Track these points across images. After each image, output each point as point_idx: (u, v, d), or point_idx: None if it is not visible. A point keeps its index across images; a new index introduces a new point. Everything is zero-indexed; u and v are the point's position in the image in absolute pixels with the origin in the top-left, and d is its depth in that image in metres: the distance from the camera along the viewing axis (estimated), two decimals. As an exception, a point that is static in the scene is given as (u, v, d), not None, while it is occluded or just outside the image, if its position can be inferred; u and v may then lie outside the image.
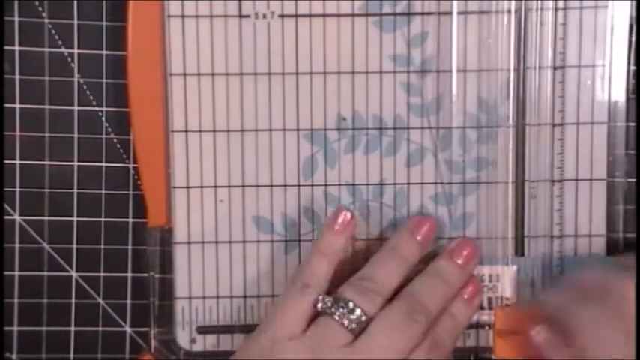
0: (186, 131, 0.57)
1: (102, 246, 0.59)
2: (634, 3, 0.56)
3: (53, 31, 0.57)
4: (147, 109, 0.56)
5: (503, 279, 0.57)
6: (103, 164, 0.58)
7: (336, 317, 0.52)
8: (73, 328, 0.60)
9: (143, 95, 0.56)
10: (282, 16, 0.56)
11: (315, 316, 0.53)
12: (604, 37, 0.56)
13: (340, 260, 0.55)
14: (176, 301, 0.58)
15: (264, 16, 0.56)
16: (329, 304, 0.52)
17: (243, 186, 0.57)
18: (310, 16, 0.56)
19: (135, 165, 0.58)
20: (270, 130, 0.57)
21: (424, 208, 0.57)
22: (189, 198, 0.57)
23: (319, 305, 0.53)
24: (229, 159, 0.57)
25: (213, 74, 0.56)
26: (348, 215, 0.55)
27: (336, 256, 0.55)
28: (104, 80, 0.58)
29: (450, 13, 0.56)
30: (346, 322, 0.52)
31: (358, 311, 0.52)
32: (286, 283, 0.57)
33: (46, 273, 0.59)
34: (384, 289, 0.54)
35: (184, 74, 0.56)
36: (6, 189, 0.58)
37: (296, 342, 0.52)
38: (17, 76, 0.58)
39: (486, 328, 0.58)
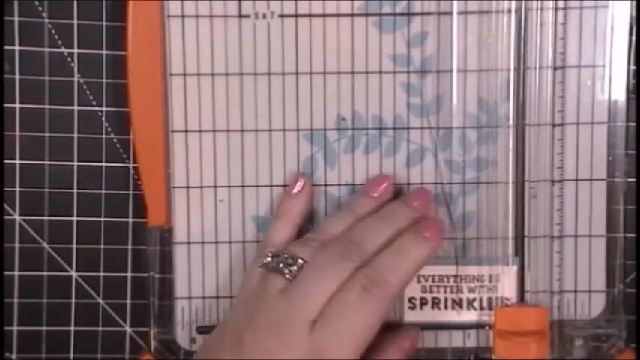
0: (186, 131, 0.57)
1: (102, 246, 0.59)
2: (634, 3, 0.56)
3: (53, 31, 0.57)
4: (147, 109, 0.56)
5: (503, 279, 0.57)
6: (103, 164, 0.58)
7: (279, 269, 0.53)
8: (73, 328, 0.60)
9: (143, 95, 0.56)
10: (281, 16, 0.56)
11: None
12: (604, 37, 0.56)
13: (299, 226, 0.56)
14: (176, 301, 0.58)
15: (264, 16, 0.56)
16: (273, 260, 0.53)
17: (243, 186, 0.57)
18: (310, 16, 0.56)
19: (135, 165, 0.58)
20: (270, 130, 0.57)
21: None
22: (189, 198, 0.57)
23: (266, 263, 0.53)
24: (229, 159, 0.57)
25: (213, 74, 0.56)
26: (303, 181, 0.56)
27: (293, 220, 0.56)
28: (104, 80, 0.58)
29: (450, 13, 0.56)
30: (286, 270, 0.52)
31: (299, 261, 0.52)
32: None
33: (46, 273, 0.59)
34: (323, 236, 0.54)
35: (184, 74, 0.56)
36: (6, 189, 0.58)
37: (246, 299, 0.53)
38: (17, 76, 0.58)
39: (486, 328, 0.57)
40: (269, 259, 0.54)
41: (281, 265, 0.53)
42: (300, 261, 0.53)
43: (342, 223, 0.55)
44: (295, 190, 0.56)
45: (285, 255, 0.53)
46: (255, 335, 0.51)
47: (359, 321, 0.50)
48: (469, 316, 0.57)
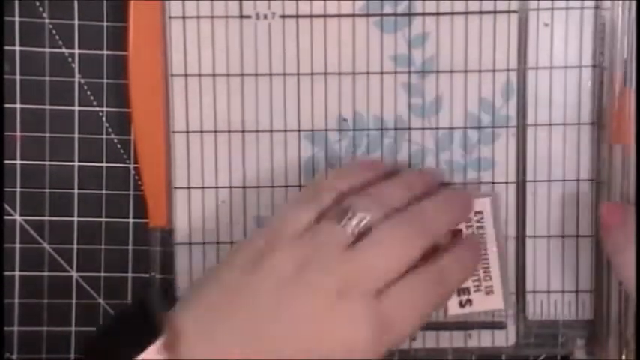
0: (187, 132, 0.57)
1: (102, 246, 0.59)
2: (634, 3, 0.56)
3: (54, 31, 0.57)
4: (148, 110, 0.56)
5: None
6: (104, 164, 0.58)
7: (338, 222, 0.51)
8: (73, 328, 0.60)
9: (144, 96, 0.56)
10: (283, 16, 0.56)
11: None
12: (604, 37, 0.56)
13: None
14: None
15: (265, 17, 0.56)
16: (331, 206, 0.52)
17: (244, 187, 0.57)
18: (311, 16, 0.56)
19: (136, 165, 0.58)
20: (272, 130, 0.57)
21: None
22: (190, 199, 0.57)
23: (321, 207, 0.52)
24: (230, 160, 0.57)
25: (214, 75, 0.56)
26: (379, 159, 0.56)
27: (356, 182, 0.54)
28: (105, 80, 0.58)
29: (451, 14, 0.56)
30: (348, 227, 0.51)
31: (360, 215, 0.51)
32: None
33: (46, 273, 0.59)
34: (389, 201, 0.52)
35: (185, 75, 0.56)
36: (6, 189, 0.58)
37: (293, 239, 0.51)
38: (17, 76, 0.58)
39: (487, 328, 0.58)
40: (324, 204, 0.52)
41: (338, 216, 0.51)
42: (364, 218, 0.51)
43: (400, 193, 0.53)
44: (366, 164, 0.56)
45: (346, 208, 0.52)
46: (314, 290, 0.50)
47: (423, 306, 0.51)
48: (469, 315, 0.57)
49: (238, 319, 0.50)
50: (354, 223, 0.51)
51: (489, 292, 0.56)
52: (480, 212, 0.56)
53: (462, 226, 0.56)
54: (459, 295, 0.57)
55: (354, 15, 0.56)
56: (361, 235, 0.51)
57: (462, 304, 0.57)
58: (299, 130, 0.57)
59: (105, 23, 0.57)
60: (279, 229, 0.52)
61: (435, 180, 0.56)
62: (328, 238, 0.51)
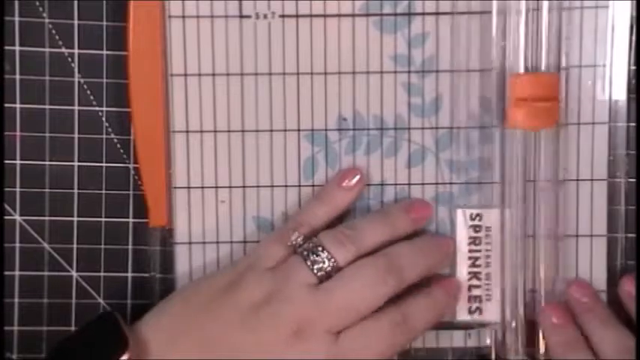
0: (187, 131, 0.57)
1: (102, 246, 0.59)
2: (634, 3, 0.56)
3: (53, 31, 0.57)
4: (148, 110, 0.56)
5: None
6: (103, 164, 0.58)
7: (307, 260, 0.53)
8: (72, 328, 0.60)
9: (144, 95, 0.56)
10: (282, 16, 0.56)
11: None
12: (605, 37, 0.56)
13: (336, 215, 0.56)
14: (177, 301, 0.58)
15: (265, 17, 0.56)
16: (301, 243, 0.53)
17: (244, 186, 0.57)
18: (311, 16, 0.56)
19: (135, 165, 0.58)
20: (271, 130, 0.57)
21: (425, 208, 0.58)
22: (190, 198, 0.57)
23: (291, 241, 0.53)
24: (230, 159, 0.57)
25: (214, 74, 0.56)
26: (359, 177, 0.56)
27: (335, 208, 0.56)
28: (104, 80, 0.58)
29: (451, 13, 0.56)
30: (315, 266, 0.52)
31: (326, 256, 0.53)
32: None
33: (46, 273, 0.59)
34: (362, 243, 0.54)
35: (185, 74, 0.56)
36: (6, 189, 0.58)
37: (263, 272, 0.53)
38: (17, 76, 0.58)
39: (487, 328, 0.58)
40: (299, 239, 0.54)
41: (310, 255, 0.53)
42: (331, 259, 0.52)
43: (379, 234, 0.55)
44: (349, 184, 0.56)
45: (317, 245, 0.53)
46: (273, 326, 0.51)
47: (382, 349, 0.52)
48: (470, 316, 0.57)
49: (201, 335, 0.52)
50: (321, 261, 0.52)
51: (502, 303, 0.57)
52: (489, 228, 0.57)
53: (465, 241, 0.57)
54: (469, 301, 0.57)
55: (353, 15, 0.56)
56: (329, 273, 0.52)
57: (470, 312, 0.57)
58: (299, 130, 0.57)
59: (105, 23, 0.57)
60: (252, 262, 0.54)
61: (421, 215, 0.57)
62: (295, 274, 0.52)
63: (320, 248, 0.53)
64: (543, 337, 0.56)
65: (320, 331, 0.51)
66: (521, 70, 0.55)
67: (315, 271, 0.52)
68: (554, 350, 0.56)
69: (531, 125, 0.55)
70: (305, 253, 0.53)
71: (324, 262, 0.52)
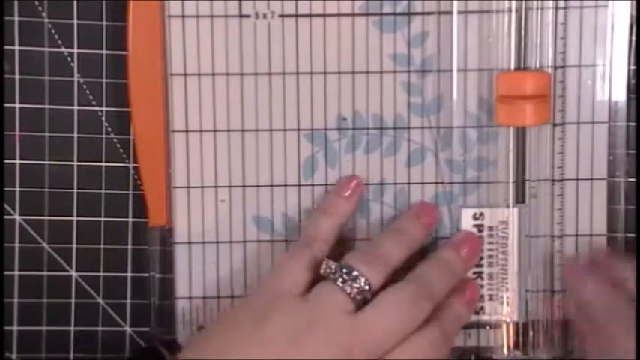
0: (186, 131, 0.57)
1: (102, 246, 0.59)
2: (634, 2, 0.56)
3: (53, 31, 0.57)
4: (147, 109, 0.56)
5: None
6: (103, 164, 0.58)
7: (339, 283, 0.52)
8: (72, 328, 0.60)
9: (143, 95, 0.56)
10: (282, 15, 0.56)
11: (318, 281, 0.53)
12: (604, 36, 0.56)
13: (343, 225, 0.56)
14: (176, 300, 0.58)
15: (265, 16, 0.56)
16: (332, 268, 0.52)
17: (243, 186, 0.57)
18: (310, 15, 0.56)
19: (135, 165, 0.58)
20: (271, 130, 0.57)
21: (424, 208, 0.58)
22: (189, 198, 0.57)
23: (322, 269, 0.53)
24: (230, 159, 0.57)
25: (213, 74, 0.56)
26: (357, 184, 0.56)
27: (341, 217, 0.56)
28: (104, 80, 0.58)
29: (450, 13, 0.56)
30: (349, 289, 0.52)
31: (362, 280, 0.52)
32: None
33: (45, 273, 0.59)
34: (387, 263, 0.54)
35: (185, 74, 0.56)
36: (6, 189, 0.58)
37: (295, 301, 0.52)
38: (17, 76, 0.58)
39: (487, 327, 0.58)
40: (325, 265, 0.53)
41: (339, 277, 0.52)
42: (362, 279, 0.52)
43: (399, 247, 0.55)
44: (348, 193, 0.56)
45: (343, 267, 0.52)
46: (317, 354, 0.50)
47: None
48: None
49: None
50: (356, 286, 0.52)
51: (504, 302, 0.57)
52: (505, 222, 0.56)
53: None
54: None
55: (353, 14, 0.56)
56: (365, 295, 0.52)
57: (475, 311, 0.58)
58: (298, 130, 0.57)
59: (104, 23, 0.57)
60: (278, 287, 0.53)
61: (431, 218, 0.57)
62: (332, 301, 0.52)
63: (350, 269, 0.52)
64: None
65: (362, 357, 0.51)
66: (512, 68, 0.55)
67: (349, 292, 0.52)
68: (592, 303, 0.54)
69: (517, 122, 0.55)
70: (336, 277, 0.52)
71: (356, 283, 0.52)
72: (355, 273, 0.52)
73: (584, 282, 0.54)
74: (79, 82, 0.58)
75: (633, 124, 0.57)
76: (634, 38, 0.56)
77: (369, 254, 0.54)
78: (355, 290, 0.52)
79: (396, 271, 0.54)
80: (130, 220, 0.59)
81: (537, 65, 0.56)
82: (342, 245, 0.56)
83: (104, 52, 0.57)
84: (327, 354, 0.51)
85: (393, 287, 0.53)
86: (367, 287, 0.52)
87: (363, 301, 0.52)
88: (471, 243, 0.57)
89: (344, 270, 0.52)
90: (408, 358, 0.52)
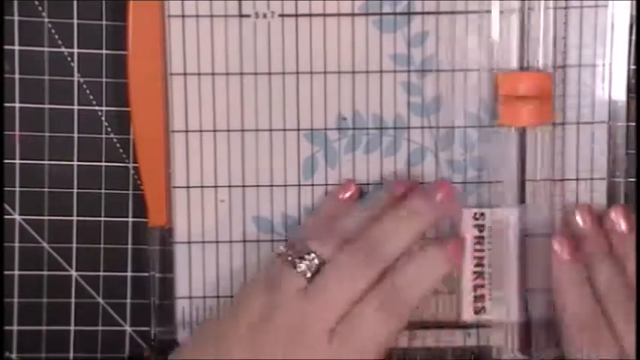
0: (186, 131, 0.57)
1: (102, 245, 0.59)
2: (634, 3, 0.56)
3: (53, 31, 0.57)
4: (147, 109, 0.56)
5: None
6: (103, 164, 0.58)
7: (293, 263, 0.52)
8: (72, 328, 0.60)
9: (143, 95, 0.56)
10: (282, 15, 0.56)
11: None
12: (604, 36, 0.56)
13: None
14: (176, 300, 0.58)
15: (265, 16, 0.56)
16: (288, 251, 0.53)
17: (243, 186, 0.57)
18: (310, 15, 0.56)
19: (135, 165, 0.58)
20: (271, 129, 0.57)
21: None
22: (189, 198, 0.57)
23: (280, 253, 0.53)
24: (230, 159, 0.57)
25: (213, 74, 0.56)
26: (354, 189, 0.56)
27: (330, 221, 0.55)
28: (104, 80, 0.58)
29: (450, 13, 0.56)
30: (302, 266, 0.52)
31: (313, 256, 0.52)
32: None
33: (45, 273, 0.59)
34: (341, 233, 0.53)
35: (185, 74, 0.56)
36: (6, 189, 0.58)
37: (258, 289, 0.53)
38: (17, 76, 0.58)
39: (487, 327, 0.58)
40: (283, 249, 0.53)
41: (296, 259, 0.52)
42: (313, 256, 0.52)
43: (361, 219, 0.54)
44: (345, 196, 0.56)
45: (300, 246, 0.53)
46: (270, 338, 0.51)
47: (375, 336, 0.52)
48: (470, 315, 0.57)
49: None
50: (303, 265, 0.52)
51: (504, 302, 0.57)
52: (505, 222, 0.57)
53: (469, 240, 0.57)
54: (473, 301, 0.57)
55: (353, 14, 0.56)
56: (317, 271, 0.52)
57: (475, 311, 0.57)
58: (298, 129, 0.57)
59: (104, 22, 0.57)
60: (255, 278, 0.55)
61: (405, 185, 0.56)
62: (285, 281, 0.52)
63: (302, 248, 0.53)
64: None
65: (316, 332, 0.51)
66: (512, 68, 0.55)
67: (300, 270, 0.52)
68: (558, 285, 0.55)
69: (519, 123, 0.55)
70: (291, 258, 0.53)
71: (306, 265, 0.52)
72: (306, 250, 0.53)
73: (562, 285, 0.55)
74: (79, 81, 0.58)
75: (633, 124, 0.57)
76: (634, 38, 0.56)
77: (324, 229, 0.54)
78: (303, 269, 0.52)
79: None
80: (130, 219, 0.59)
81: (537, 65, 0.56)
82: None
83: (104, 52, 0.57)
84: (281, 335, 0.51)
85: (339, 254, 0.52)
86: (316, 261, 0.52)
87: (314, 274, 0.52)
88: (444, 189, 0.55)
89: (297, 249, 0.53)
90: (358, 322, 0.51)
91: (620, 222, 0.55)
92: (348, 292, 0.52)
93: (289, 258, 0.53)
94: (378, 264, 0.52)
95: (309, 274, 0.52)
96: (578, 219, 0.56)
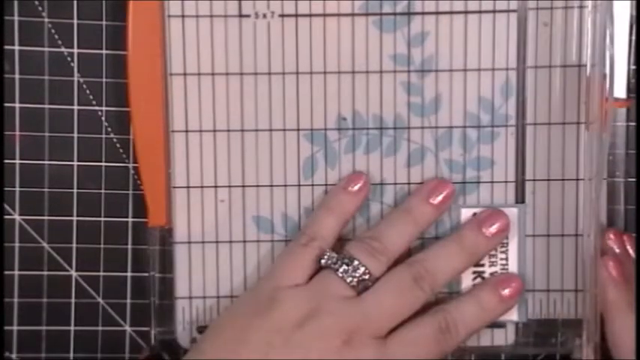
0: (186, 131, 0.57)
1: (102, 245, 0.59)
2: (634, 3, 0.56)
3: (53, 31, 0.57)
4: (147, 109, 0.56)
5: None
6: (103, 163, 0.58)
7: (340, 273, 0.53)
8: (72, 328, 0.60)
9: (143, 95, 0.56)
10: (282, 15, 0.56)
11: (319, 271, 0.54)
12: (604, 36, 0.56)
13: (347, 222, 0.56)
14: (176, 300, 0.58)
15: (265, 16, 0.56)
16: (334, 259, 0.53)
17: (243, 186, 0.57)
18: (310, 15, 0.56)
19: (135, 165, 0.58)
20: (271, 129, 0.57)
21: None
22: (189, 198, 0.57)
23: (323, 260, 0.54)
24: (229, 159, 0.57)
25: (213, 74, 0.56)
26: (364, 181, 0.56)
27: (344, 215, 0.56)
28: (104, 80, 0.58)
29: (450, 13, 0.56)
30: (349, 279, 0.53)
31: (362, 269, 0.53)
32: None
33: (45, 272, 0.59)
34: (389, 251, 0.54)
35: (184, 74, 0.56)
36: (6, 189, 0.58)
37: (298, 290, 0.53)
38: (17, 76, 0.58)
39: (487, 327, 0.58)
40: (326, 257, 0.54)
41: (340, 267, 0.53)
42: (362, 269, 0.53)
43: (405, 233, 0.55)
44: (355, 188, 0.56)
45: (344, 257, 0.53)
46: (323, 337, 0.51)
47: (427, 353, 0.53)
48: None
49: (249, 357, 0.52)
50: (356, 274, 0.53)
51: None
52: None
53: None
54: None
55: (353, 14, 0.56)
56: (365, 283, 0.53)
57: None
58: (298, 130, 0.57)
59: (104, 22, 0.57)
60: (280, 278, 0.54)
61: (444, 197, 0.56)
62: (332, 288, 0.53)
63: (351, 259, 0.53)
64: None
65: (367, 338, 0.52)
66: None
67: (349, 281, 0.53)
68: (614, 309, 0.55)
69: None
70: (336, 266, 0.53)
71: (356, 272, 0.53)
72: (356, 262, 0.53)
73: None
74: (78, 81, 0.58)
75: (633, 124, 0.57)
76: (634, 38, 0.56)
77: (371, 242, 0.54)
78: (355, 279, 0.53)
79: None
80: (130, 219, 0.59)
81: (537, 65, 0.56)
82: (341, 245, 0.56)
83: (104, 52, 0.57)
84: (333, 337, 0.51)
85: (390, 272, 0.53)
86: (367, 276, 0.53)
87: (363, 289, 0.53)
88: (500, 221, 0.56)
89: (344, 260, 0.53)
90: (410, 341, 0.52)
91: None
92: (401, 308, 0.53)
93: (334, 265, 0.53)
94: (428, 288, 0.53)
95: (357, 287, 0.53)
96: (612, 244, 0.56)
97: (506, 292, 0.55)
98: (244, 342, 0.52)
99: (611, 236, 0.56)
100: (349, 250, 0.54)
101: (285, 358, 0.51)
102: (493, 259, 0.57)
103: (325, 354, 0.51)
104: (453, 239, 0.55)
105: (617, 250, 0.56)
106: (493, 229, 0.56)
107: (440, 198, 0.56)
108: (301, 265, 0.54)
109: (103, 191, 0.59)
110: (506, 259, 0.57)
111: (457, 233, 0.56)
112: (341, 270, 0.53)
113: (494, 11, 0.56)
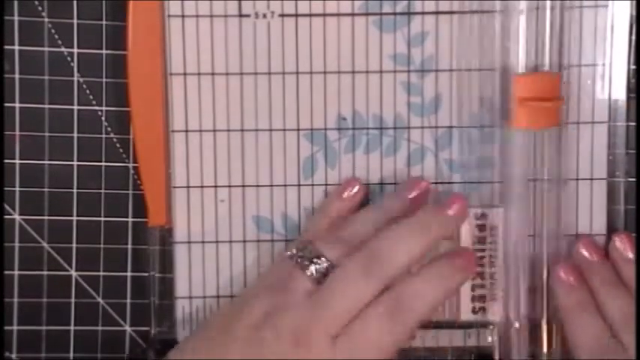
0: (186, 131, 0.57)
1: (102, 245, 0.59)
2: (634, 3, 0.56)
3: (53, 31, 0.57)
4: (147, 109, 0.56)
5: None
6: (103, 164, 0.58)
7: (303, 265, 0.52)
8: (72, 328, 0.60)
9: (143, 95, 0.56)
10: (282, 15, 0.56)
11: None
12: (604, 36, 0.56)
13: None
14: (176, 300, 0.58)
15: (265, 16, 0.56)
16: (298, 252, 0.53)
17: (243, 186, 0.57)
18: (310, 15, 0.56)
19: (135, 164, 0.58)
20: (271, 129, 0.57)
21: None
22: (189, 197, 0.57)
23: (291, 255, 0.53)
24: (229, 159, 0.57)
25: (213, 74, 0.56)
26: (358, 188, 0.56)
27: (337, 220, 0.56)
28: (104, 80, 0.58)
29: (450, 13, 0.56)
30: (311, 268, 0.52)
31: (323, 260, 0.52)
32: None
33: (45, 272, 0.59)
34: (351, 238, 0.53)
35: (184, 74, 0.56)
36: (6, 188, 0.58)
37: (262, 290, 0.53)
38: (17, 76, 0.58)
39: (487, 327, 0.58)
40: (294, 250, 0.53)
41: (305, 262, 0.52)
42: (323, 260, 0.52)
43: (371, 224, 0.54)
44: (350, 194, 0.56)
45: (310, 249, 0.53)
46: (276, 337, 0.51)
47: (378, 343, 0.51)
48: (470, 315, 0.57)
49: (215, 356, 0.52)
50: (312, 267, 0.52)
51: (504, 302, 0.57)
52: (505, 222, 0.56)
53: (469, 240, 0.56)
54: (473, 301, 0.57)
55: (353, 14, 0.56)
56: (325, 274, 0.52)
57: (474, 311, 0.57)
58: (298, 129, 0.57)
59: (104, 22, 0.57)
60: (263, 279, 0.55)
61: (420, 190, 0.56)
62: (292, 283, 0.52)
63: (312, 251, 0.53)
64: (554, 299, 0.56)
65: (320, 336, 0.51)
66: (523, 69, 0.55)
67: (310, 274, 0.52)
68: (568, 312, 0.55)
69: (535, 125, 0.55)
70: (301, 260, 0.53)
71: (318, 264, 0.52)
72: (314, 254, 0.53)
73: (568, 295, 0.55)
74: (78, 81, 0.58)
75: (633, 124, 0.57)
76: (634, 38, 0.56)
77: (335, 233, 0.54)
78: (311, 271, 0.52)
79: None
80: (130, 219, 0.59)
81: (537, 65, 0.56)
82: None
83: (104, 51, 0.57)
84: (284, 336, 0.51)
85: (345, 260, 0.52)
86: (325, 265, 0.52)
87: (321, 278, 0.52)
88: (457, 202, 0.54)
89: (306, 251, 0.53)
90: (362, 331, 0.51)
91: (626, 249, 0.56)
92: (353, 299, 0.51)
93: (299, 260, 0.53)
94: (384, 274, 0.52)
95: (317, 278, 0.52)
96: (584, 252, 0.56)
97: (462, 264, 0.53)
98: (221, 344, 0.52)
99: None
100: (315, 242, 0.53)
101: (246, 353, 0.51)
102: (492, 260, 0.57)
103: (277, 354, 0.51)
104: (407, 221, 0.53)
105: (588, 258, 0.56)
106: (451, 211, 0.54)
107: (415, 192, 0.56)
108: (282, 261, 0.54)
109: (103, 191, 0.59)
110: (506, 259, 0.57)
111: (414, 216, 0.54)
112: (304, 260, 0.52)
113: (493, 12, 0.56)
